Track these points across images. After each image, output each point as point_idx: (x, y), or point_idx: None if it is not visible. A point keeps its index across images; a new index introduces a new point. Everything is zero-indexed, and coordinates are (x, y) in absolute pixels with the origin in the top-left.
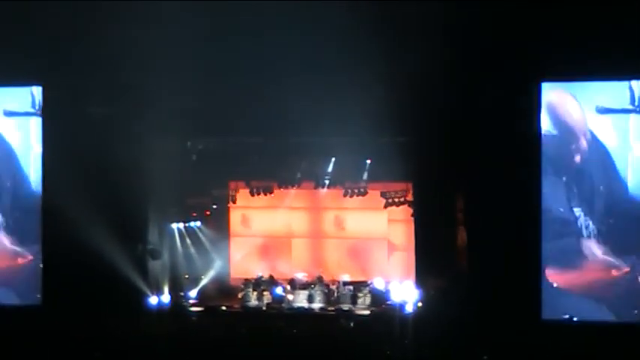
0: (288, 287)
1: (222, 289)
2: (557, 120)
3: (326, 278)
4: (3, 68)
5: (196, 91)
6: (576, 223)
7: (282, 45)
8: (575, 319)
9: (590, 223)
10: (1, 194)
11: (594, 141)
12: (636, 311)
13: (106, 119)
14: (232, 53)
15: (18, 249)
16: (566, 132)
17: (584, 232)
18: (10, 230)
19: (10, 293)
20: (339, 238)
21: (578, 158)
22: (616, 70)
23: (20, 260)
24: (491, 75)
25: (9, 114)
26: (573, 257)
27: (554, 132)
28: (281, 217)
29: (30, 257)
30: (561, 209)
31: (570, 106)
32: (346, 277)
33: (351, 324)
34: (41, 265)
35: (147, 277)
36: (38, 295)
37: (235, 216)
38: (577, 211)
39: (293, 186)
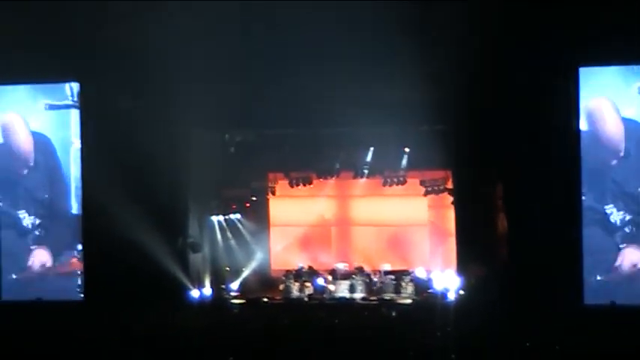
0: (330, 278)
1: (264, 281)
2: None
3: (367, 268)
4: (40, 66)
5: (234, 84)
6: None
7: (319, 36)
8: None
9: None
10: (42, 192)
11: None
12: None
13: (144, 114)
14: (269, 44)
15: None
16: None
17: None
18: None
19: (53, 289)
20: (380, 225)
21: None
22: None
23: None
24: (529, 61)
25: (51, 107)
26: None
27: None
28: (320, 206)
29: (72, 257)
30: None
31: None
32: (387, 267)
33: (393, 313)
34: (83, 262)
35: (188, 271)
36: (80, 291)
37: (275, 207)
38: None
39: (332, 176)
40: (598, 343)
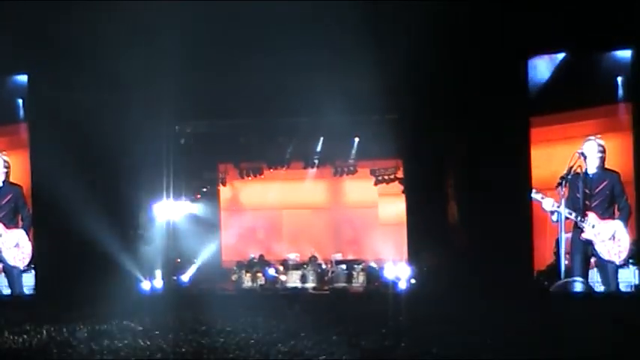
0: (281, 268)
1: (215, 272)
2: None
3: (319, 257)
4: None
5: (183, 74)
6: None
7: (270, 25)
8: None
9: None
10: None
11: None
12: None
13: (93, 106)
14: (218, 34)
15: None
16: None
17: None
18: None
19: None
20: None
21: None
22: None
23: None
24: (479, 50)
25: None
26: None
27: None
28: (272, 193)
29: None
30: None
31: None
32: (338, 256)
33: (345, 303)
34: (32, 254)
35: (139, 262)
36: (30, 284)
37: (225, 197)
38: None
39: (282, 166)
40: (554, 329)
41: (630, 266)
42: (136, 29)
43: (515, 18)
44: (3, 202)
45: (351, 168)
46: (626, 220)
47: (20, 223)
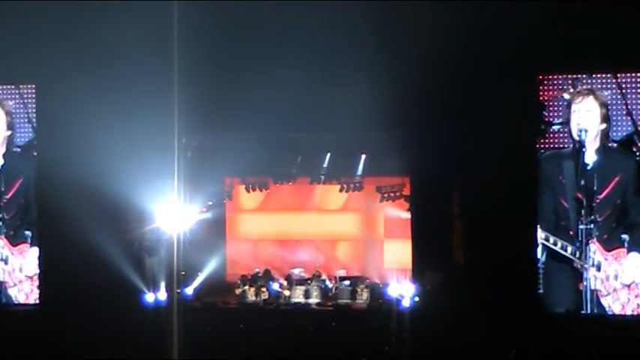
0: (285, 283)
1: (219, 285)
2: None
3: (323, 273)
4: None
5: (191, 88)
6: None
7: (277, 40)
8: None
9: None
10: None
11: None
12: None
13: (100, 117)
14: (226, 49)
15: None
16: None
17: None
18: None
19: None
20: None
21: None
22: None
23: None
24: (490, 68)
25: None
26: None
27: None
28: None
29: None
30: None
31: None
32: (342, 272)
33: (348, 319)
34: (38, 265)
35: (143, 275)
36: (36, 295)
37: (231, 211)
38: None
39: (288, 181)
40: (554, 349)
41: None
42: (144, 40)
43: (527, 37)
44: None
45: (357, 184)
46: None
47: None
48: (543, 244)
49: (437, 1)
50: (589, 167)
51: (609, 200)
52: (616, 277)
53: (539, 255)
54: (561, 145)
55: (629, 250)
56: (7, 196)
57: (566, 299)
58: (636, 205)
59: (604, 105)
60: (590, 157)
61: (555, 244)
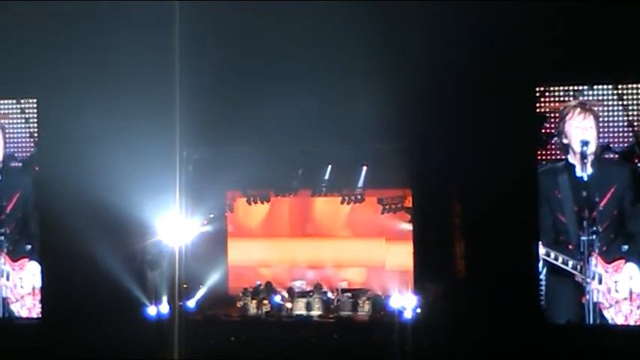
0: (287, 295)
1: (221, 298)
2: None
3: (325, 286)
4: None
5: (192, 102)
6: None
7: (277, 52)
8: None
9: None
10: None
11: None
12: None
13: (101, 131)
14: (227, 63)
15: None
16: None
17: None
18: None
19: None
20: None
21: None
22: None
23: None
24: (491, 81)
25: None
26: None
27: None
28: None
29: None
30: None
31: None
32: (344, 285)
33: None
34: (40, 278)
35: (146, 288)
36: (38, 309)
37: (233, 225)
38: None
39: (290, 194)
40: None
41: None
42: (145, 54)
43: (527, 49)
44: None
45: (359, 197)
46: None
47: None
48: (544, 260)
49: (437, 17)
50: (585, 179)
51: (607, 211)
52: (617, 290)
53: (540, 269)
54: (563, 157)
55: (626, 261)
56: (7, 211)
57: (568, 312)
58: (634, 214)
59: (600, 117)
60: (587, 169)
61: (556, 259)
